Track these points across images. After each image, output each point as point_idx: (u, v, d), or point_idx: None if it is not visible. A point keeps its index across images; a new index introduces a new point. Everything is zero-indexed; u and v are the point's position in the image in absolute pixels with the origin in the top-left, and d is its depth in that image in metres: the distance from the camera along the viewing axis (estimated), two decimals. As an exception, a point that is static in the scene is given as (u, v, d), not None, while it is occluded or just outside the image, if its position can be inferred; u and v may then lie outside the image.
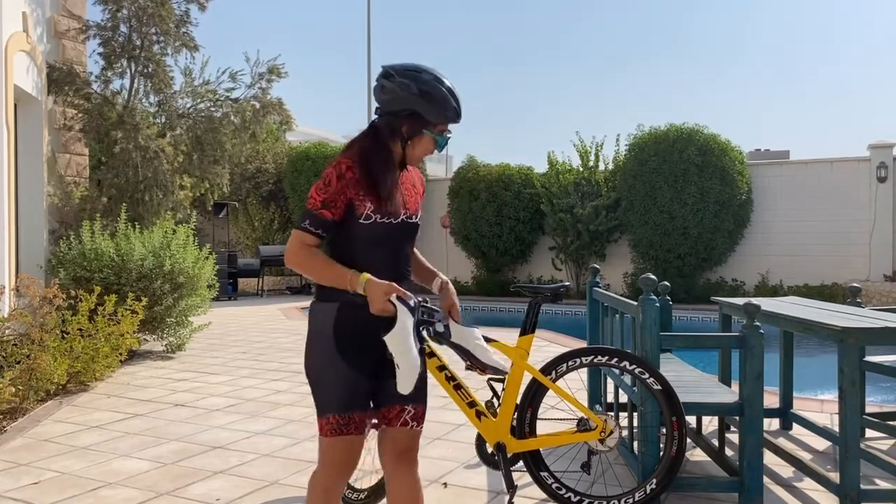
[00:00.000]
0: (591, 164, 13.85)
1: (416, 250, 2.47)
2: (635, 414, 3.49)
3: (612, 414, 3.42)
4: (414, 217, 2.31)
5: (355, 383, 2.15)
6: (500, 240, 14.03)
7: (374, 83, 2.30)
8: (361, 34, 28.37)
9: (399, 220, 2.23)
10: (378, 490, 3.05)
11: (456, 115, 2.24)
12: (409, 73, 2.19)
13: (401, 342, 2.08)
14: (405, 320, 2.10)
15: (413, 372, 2.07)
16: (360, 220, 2.16)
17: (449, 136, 2.29)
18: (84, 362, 5.60)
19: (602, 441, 2.88)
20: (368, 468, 2.89)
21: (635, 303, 3.30)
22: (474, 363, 2.49)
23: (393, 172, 2.21)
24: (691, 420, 3.99)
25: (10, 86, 6.62)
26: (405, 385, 2.07)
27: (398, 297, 2.09)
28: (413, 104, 2.18)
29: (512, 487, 2.86)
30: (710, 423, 4.29)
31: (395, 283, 2.12)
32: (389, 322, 2.09)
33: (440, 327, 2.43)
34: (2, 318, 5.27)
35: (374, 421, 2.32)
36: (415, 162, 2.31)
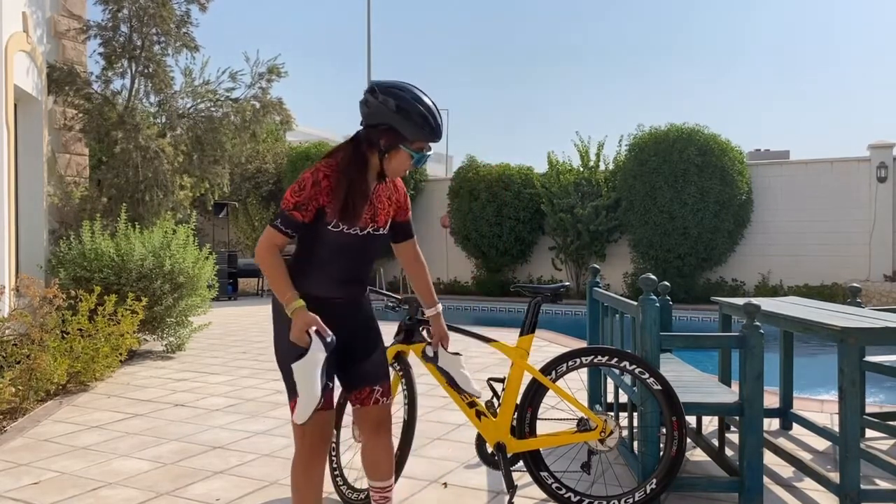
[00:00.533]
0: (592, 163, 13.86)
1: (424, 265, 2.69)
2: (635, 414, 3.49)
3: (612, 414, 3.42)
4: (381, 230, 2.46)
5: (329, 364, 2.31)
6: (500, 240, 14.03)
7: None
8: (361, 34, 28.37)
9: (364, 231, 2.39)
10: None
11: (432, 134, 2.33)
12: (390, 91, 2.30)
13: (306, 372, 2.20)
14: (317, 353, 2.21)
15: (311, 402, 2.20)
16: (328, 227, 2.32)
17: (428, 153, 2.38)
18: (84, 362, 5.60)
19: (602, 441, 2.88)
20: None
21: (635, 303, 3.30)
22: (453, 387, 2.83)
23: (364, 185, 2.34)
24: (691, 420, 3.99)
25: (10, 86, 6.62)
26: (301, 415, 2.23)
27: (316, 332, 2.22)
28: (390, 119, 2.30)
29: (512, 487, 2.87)
30: (710, 423, 4.29)
31: (318, 318, 2.24)
32: (303, 351, 2.22)
33: (430, 351, 2.78)
34: (2, 318, 5.27)
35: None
36: (392, 175, 2.40)
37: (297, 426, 2.32)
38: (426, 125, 2.31)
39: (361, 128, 2.39)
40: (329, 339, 2.22)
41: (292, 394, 2.30)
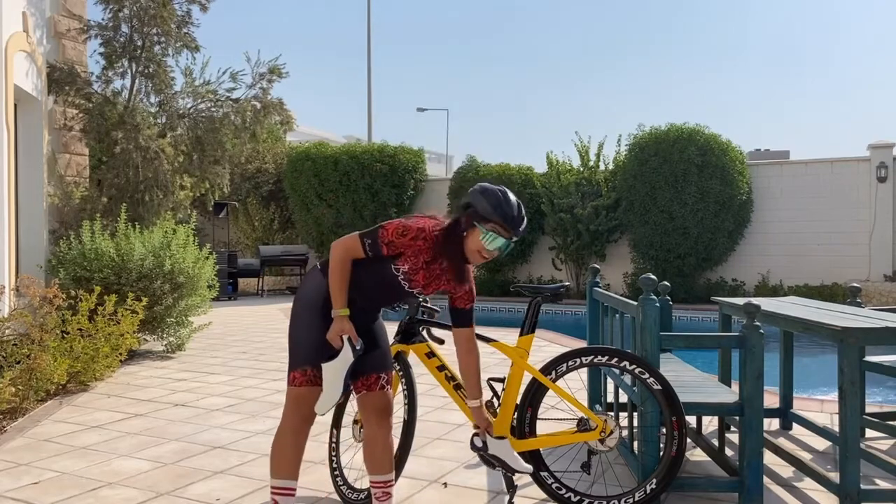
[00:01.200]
0: (592, 163, 13.85)
1: (476, 357, 2.79)
2: (635, 414, 3.49)
3: (612, 414, 3.42)
4: (422, 295, 2.69)
5: (326, 344, 2.53)
6: (500, 240, 14.01)
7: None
8: (362, 33, 28.35)
9: (415, 290, 2.65)
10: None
11: (504, 217, 2.52)
12: (484, 186, 2.62)
13: (336, 372, 2.49)
14: (347, 357, 2.49)
15: (333, 399, 2.50)
16: (392, 266, 2.57)
17: (503, 239, 2.53)
18: (84, 362, 5.60)
19: (602, 441, 2.88)
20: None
21: (635, 303, 3.30)
22: (506, 470, 2.84)
23: (453, 256, 2.58)
24: (691, 420, 3.99)
25: (10, 86, 6.62)
26: (322, 406, 2.52)
27: (349, 338, 2.49)
28: (472, 198, 2.58)
29: (512, 487, 2.87)
30: (710, 423, 4.29)
31: (353, 327, 2.51)
32: (335, 353, 2.49)
33: (478, 442, 2.84)
34: (2, 318, 5.27)
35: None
36: (471, 256, 2.57)
37: (297, 395, 2.56)
38: (500, 205, 2.52)
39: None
40: (358, 347, 2.50)
41: (297, 364, 2.58)
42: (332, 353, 2.49)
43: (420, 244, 2.53)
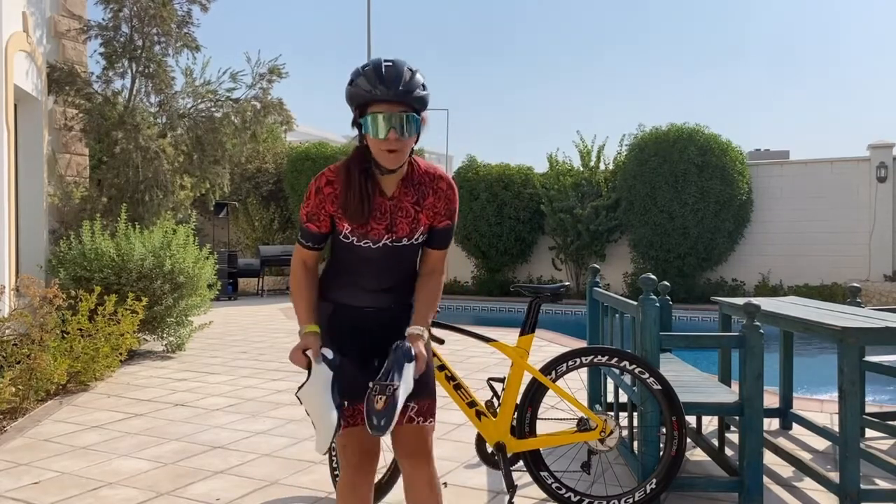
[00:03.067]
0: (593, 164, 13.85)
1: (436, 282, 2.21)
2: (635, 414, 3.49)
3: (612, 414, 3.42)
4: (406, 239, 2.13)
5: (354, 377, 2.10)
6: (500, 240, 14.03)
7: None
8: (362, 33, 28.35)
9: (380, 244, 2.12)
10: (380, 486, 3.06)
11: (366, 78, 1.96)
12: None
13: (313, 398, 2.01)
14: (318, 375, 2.01)
15: (328, 432, 1.98)
16: (340, 237, 2.14)
17: (383, 116, 1.96)
18: (84, 362, 5.60)
19: (602, 441, 2.88)
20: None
21: (635, 303, 3.30)
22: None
23: (360, 189, 2.06)
24: (691, 420, 3.99)
25: (10, 86, 6.62)
26: (321, 444, 1.99)
27: (314, 352, 2.04)
28: (346, 96, 2.03)
29: (512, 487, 2.86)
30: (710, 423, 4.29)
31: (316, 340, 2.06)
32: (307, 376, 2.05)
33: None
34: (2, 318, 5.27)
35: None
36: (381, 159, 2.02)
37: (339, 440, 2.13)
38: (355, 73, 1.99)
39: None
40: (331, 357, 2.04)
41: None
42: (307, 378, 2.04)
43: (329, 190, 2.08)
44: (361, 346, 2.18)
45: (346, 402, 2.08)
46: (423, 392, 2.14)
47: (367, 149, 2.05)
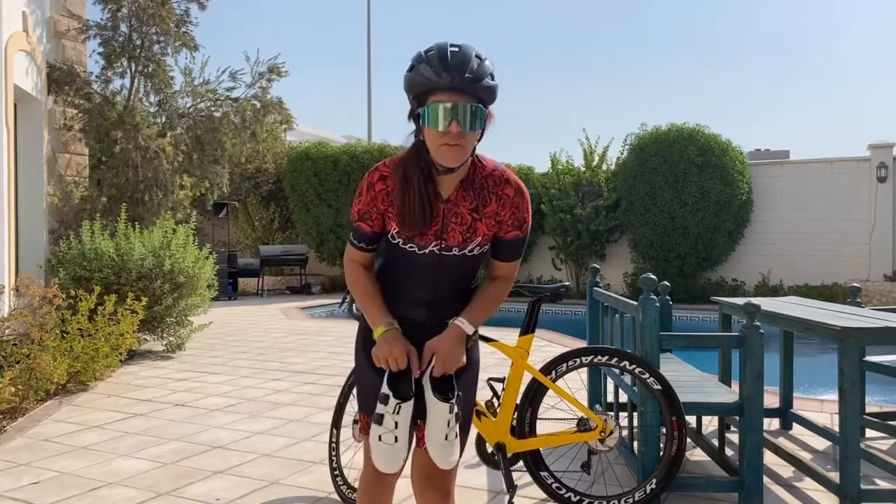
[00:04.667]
0: (595, 164, 13.85)
1: (501, 291, 2.05)
2: (635, 414, 3.49)
3: (612, 414, 3.42)
4: (456, 249, 1.93)
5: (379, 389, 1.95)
6: (500, 239, 14.01)
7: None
8: (362, 33, 28.36)
9: (426, 251, 1.93)
10: None
11: (429, 62, 1.77)
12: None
13: (405, 412, 1.84)
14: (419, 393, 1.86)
15: (401, 453, 1.86)
16: (390, 239, 1.96)
17: (445, 106, 1.76)
18: (84, 362, 5.60)
19: (602, 441, 2.88)
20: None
21: (635, 303, 3.30)
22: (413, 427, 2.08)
23: (420, 193, 1.87)
24: (691, 420, 3.98)
25: (10, 86, 6.62)
26: (392, 464, 1.89)
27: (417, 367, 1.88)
28: (404, 85, 1.84)
29: (512, 487, 2.86)
30: (710, 423, 4.29)
31: (402, 352, 1.86)
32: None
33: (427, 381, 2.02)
34: (2, 317, 5.27)
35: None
36: (438, 156, 1.82)
37: (364, 443, 2.02)
38: (416, 59, 1.80)
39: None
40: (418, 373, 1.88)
41: (359, 409, 2.06)
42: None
43: (381, 186, 1.89)
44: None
45: (419, 421, 1.93)
46: (462, 428, 1.98)
47: (423, 146, 1.85)
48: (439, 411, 1.86)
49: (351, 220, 1.99)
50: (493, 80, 1.80)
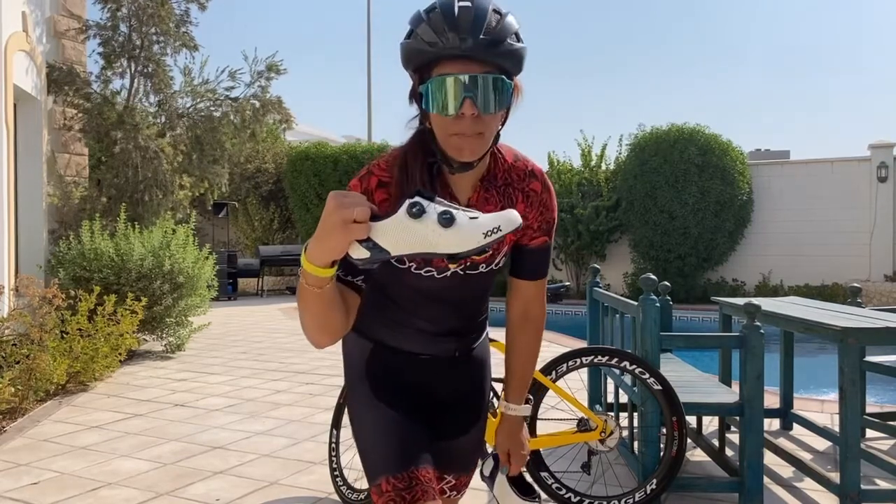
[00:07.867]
0: (594, 163, 13.86)
1: (535, 329, 1.65)
2: (635, 414, 3.49)
3: (612, 414, 3.42)
4: (482, 266, 1.49)
5: (409, 431, 1.50)
6: (500, 240, 14.02)
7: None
8: (362, 33, 28.39)
9: (447, 273, 1.46)
10: None
11: (433, 30, 1.26)
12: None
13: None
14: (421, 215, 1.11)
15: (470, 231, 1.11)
16: (397, 264, 1.45)
17: (452, 75, 1.27)
18: (84, 362, 5.60)
19: (602, 441, 2.88)
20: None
21: (635, 303, 3.30)
22: None
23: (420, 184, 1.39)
24: (691, 420, 3.98)
25: (10, 85, 6.61)
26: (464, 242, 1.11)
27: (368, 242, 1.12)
28: (401, 57, 1.35)
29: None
30: (710, 423, 4.28)
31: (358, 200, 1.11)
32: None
33: (486, 470, 1.87)
34: (1, 318, 5.26)
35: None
36: (447, 147, 1.33)
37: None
38: (415, 19, 1.30)
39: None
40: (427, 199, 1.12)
41: (372, 477, 1.47)
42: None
43: (381, 196, 1.41)
44: (412, 400, 1.56)
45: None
46: (465, 465, 1.74)
47: (430, 134, 1.37)
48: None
49: None
50: (518, 40, 1.31)
